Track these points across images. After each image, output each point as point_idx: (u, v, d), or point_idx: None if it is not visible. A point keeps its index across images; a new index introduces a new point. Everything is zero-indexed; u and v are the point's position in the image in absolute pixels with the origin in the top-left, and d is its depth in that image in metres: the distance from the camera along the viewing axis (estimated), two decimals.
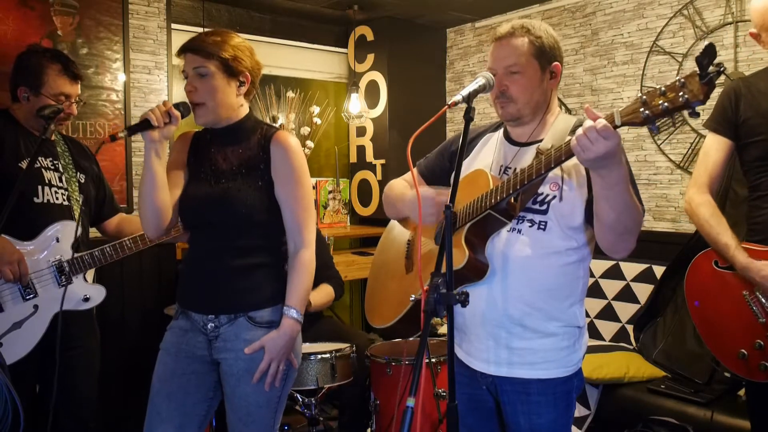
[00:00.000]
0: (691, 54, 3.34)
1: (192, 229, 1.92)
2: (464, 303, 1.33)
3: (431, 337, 3.08)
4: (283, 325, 1.81)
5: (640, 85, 3.55)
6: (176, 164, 1.94)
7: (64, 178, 2.37)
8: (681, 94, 1.22)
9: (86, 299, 2.32)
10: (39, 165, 2.30)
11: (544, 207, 1.62)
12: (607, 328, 3.38)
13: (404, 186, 1.95)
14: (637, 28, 3.57)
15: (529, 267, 1.62)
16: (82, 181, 2.43)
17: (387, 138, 4.44)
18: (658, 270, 3.22)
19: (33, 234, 2.25)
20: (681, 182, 3.42)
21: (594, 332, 3.39)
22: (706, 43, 1.19)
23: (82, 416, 2.37)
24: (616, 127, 1.31)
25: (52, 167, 2.35)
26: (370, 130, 4.55)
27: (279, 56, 4.35)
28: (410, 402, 1.22)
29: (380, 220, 4.29)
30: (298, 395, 2.87)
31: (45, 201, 2.29)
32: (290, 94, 4.29)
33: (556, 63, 1.68)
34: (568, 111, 3.85)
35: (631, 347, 3.20)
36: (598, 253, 1.63)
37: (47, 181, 2.30)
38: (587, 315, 3.36)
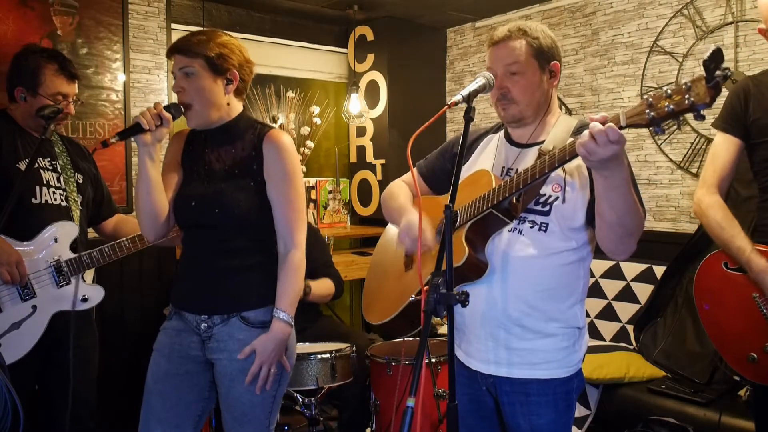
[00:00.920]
0: (692, 54, 3.33)
1: (186, 230, 1.92)
2: (464, 303, 1.33)
3: (431, 337, 3.07)
4: (273, 328, 1.80)
5: (640, 85, 3.54)
6: (172, 165, 1.93)
7: (62, 179, 2.36)
8: (687, 97, 1.21)
9: (85, 299, 2.32)
10: (37, 165, 2.29)
11: (547, 208, 1.62)
12: (608, 328, 3.38)
13: (404, 193, 1.92)
14: (637, 28, 3.57)
15: (529, 267, 1.61)
16: (80, 181, 2.43)
17: (387, 138, 4.44)
18: (659, 270, 3.22)
19: (31, 234, 2.25)
20: (681, 182, 3.42)
21: (594, 332, 3.39)
22: (713, 47, 1.19)
23: (82, 416, 2.36)
24: (621, 128, 1.31)
25: (50, 168, 2.34)
26: (370, 130, 4.55)
27: (279, 56, 4.35)
28: (410, 402, 1.22)
29: (380, 220, 4.28)
30: (298, 395, 2.86)
31: (43, 201, 2.28)
32: (290, 94, 4.29)
33: (554, 62, 1.68)
34: (568, 111, 3.85)
35: (632, 347, 3.20)
36: (599, 253, 1.63)
37: (45, 182, 2.29)
38: (587, 315, 3.36)
